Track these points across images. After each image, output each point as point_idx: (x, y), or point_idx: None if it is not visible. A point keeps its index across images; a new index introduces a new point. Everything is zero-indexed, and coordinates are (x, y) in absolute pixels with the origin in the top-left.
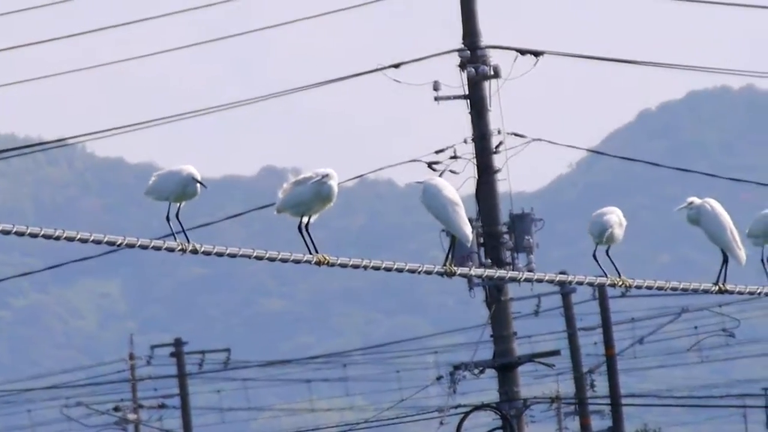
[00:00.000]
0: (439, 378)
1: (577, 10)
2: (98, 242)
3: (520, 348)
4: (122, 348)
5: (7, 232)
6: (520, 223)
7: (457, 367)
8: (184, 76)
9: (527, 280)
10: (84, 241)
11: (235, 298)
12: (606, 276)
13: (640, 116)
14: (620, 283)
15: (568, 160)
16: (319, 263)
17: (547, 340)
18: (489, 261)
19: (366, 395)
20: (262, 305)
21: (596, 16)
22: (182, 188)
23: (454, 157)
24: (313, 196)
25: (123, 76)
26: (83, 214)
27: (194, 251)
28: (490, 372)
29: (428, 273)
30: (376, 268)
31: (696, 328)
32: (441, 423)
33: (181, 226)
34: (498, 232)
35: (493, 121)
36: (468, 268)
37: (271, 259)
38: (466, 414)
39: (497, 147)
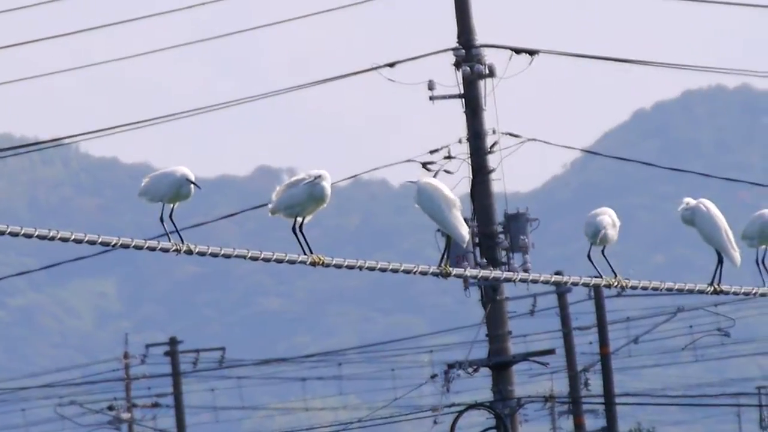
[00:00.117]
0: (433, 377)
1: (572, 10)
2: (93, 243)
3: (514, 347)
4: (118, 347)
5: (1, 233)
6: (515, 222)
7: (451, 366)
8: (178, 75)
9: (522, 281)
10: (78, 241)
11: (230, 297)
12: (601, 276)
13: (635, 116)
14: (615, 283)
15: (563, 160)
16: (314, 264)
17: (542, 340)
18: (484, 261)
19: (360, 394)
20: (257, 304)
21: (591, 16)
22: (176, 190)
23: (449, 157)
24: (306, 197)
25: (118, 76)
26: (78, 213)
27: (189, 252)
28: (485, 371)
29: (423, 274)
30: (371, 269)
31: (691, 327)
32: (435, 422)
33: (175, 227)
34: (493, 231)
35: (488, 120)
36: (463, 269)
37: (266, 260)
38: (460, 413)
39: (492, 147)
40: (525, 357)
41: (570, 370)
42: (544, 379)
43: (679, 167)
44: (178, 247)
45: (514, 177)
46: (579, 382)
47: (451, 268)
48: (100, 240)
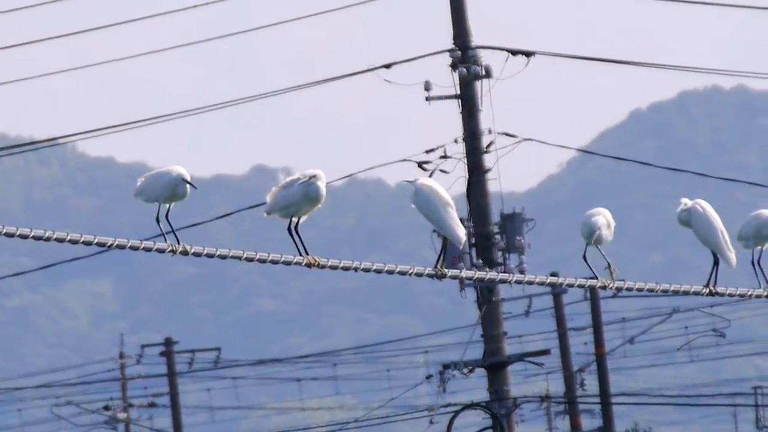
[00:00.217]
0: (428, 377)
1: (569, 11)
2: (88, 244)
3: (510, 348)
4: (113, 348)
5: None
6: (511, 223)
7: (446, 366)
8: (174, 75)
9: (518, 282)
10: (74, 242)
11: (225, 298)
12: (596, 278)
13: (631, 116)
14: (610, 285)
15: (559, 160)
16: (309, 265)
17: (537, 340)
18: (480, 261)
19: (356, 394)
20: (253, 305)
21: (588, 17)
22: (171, 190)
23: (445, 157)
24: (301, 197)
25: (114, 76)
26: (74, 213)
27: (184, 252)
28: (480, 371)
29: (419, 275)
30: (367, 270)
31: (687, 328)
32: (431, 422)
33: (171, 227)
34: (489, 232)
35: (484, 120)
36: (459, 270)
37: (262, 261)
38: (456, 413)
39: (488, 147)
40: (520, 357)
41: (565, 370)
42: (539, 379)
43: (676, 167)
44: (174, 248)
45: (510, 177)
46: (575, 383)
47: (446, 270)
48: (95, 241)
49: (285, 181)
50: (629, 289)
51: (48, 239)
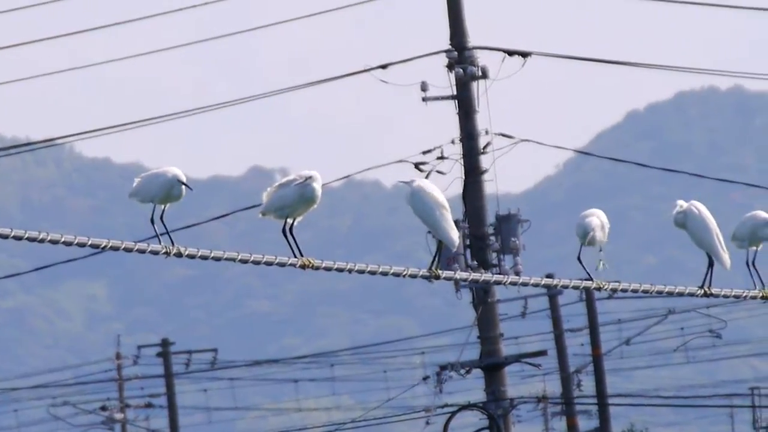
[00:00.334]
0: (425, 378)
1: (565, 11)
2: (83, 245)
3: (507, 349)
4: (109, 348)
5: None
6: (506, 224)
7: (443, 367)
8: (171, 76)
9: (513, 283)
10: (69, 243)
11: (221, 299)
12: (591, 279)
13: (628, 117)
14: (605, 286)
15: (556, 161)
16: (303, 267)
17: (533, 341)
18: (475, 263)
19: (353, 395)
20: (248, 306)
21: (584, 17)
22: (167, 191)
23: (441, 158)
24: (296, 198)
25: (110, 77)
26: (70, 214)
27: (178, 254)
28: (477, 372)
29: (413, 277)
30: (361, 272)
31: (683, 329)
32: (427, 422)
33: (166, 228)
34: (484, 233)
35: (481, 121)
36: (453, 272)
37: (256, 263)
38: (453, 413)
39: (485, 147)
40: (517, 358)
41: (562, 371)
42: (536, 380)
43: (672, 168)
44: (168, 250)
45: (507, 178)
46: (572, 384)
47: (440, 272)
48: (90, 242)
49: (281, 182)
50: (625, 291)
51: (42, 241)
